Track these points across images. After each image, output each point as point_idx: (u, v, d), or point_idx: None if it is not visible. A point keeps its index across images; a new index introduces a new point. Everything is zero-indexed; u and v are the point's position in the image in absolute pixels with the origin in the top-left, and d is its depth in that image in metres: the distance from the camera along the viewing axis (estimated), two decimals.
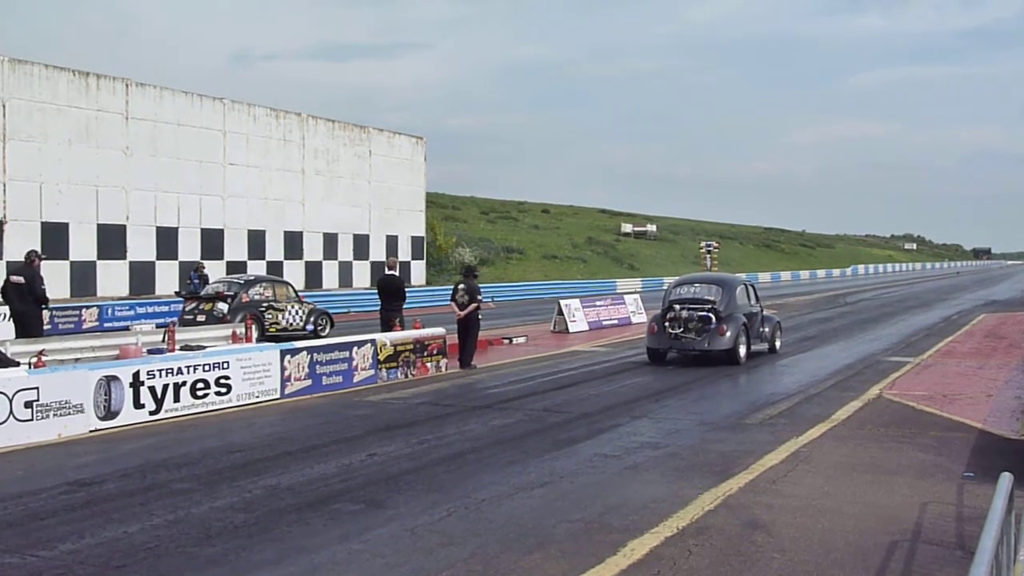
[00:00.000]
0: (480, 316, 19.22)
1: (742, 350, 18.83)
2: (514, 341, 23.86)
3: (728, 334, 18.52)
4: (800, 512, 8.02)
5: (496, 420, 12.71)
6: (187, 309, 24.34)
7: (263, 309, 24.52)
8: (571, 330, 27.18)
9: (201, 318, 23.55)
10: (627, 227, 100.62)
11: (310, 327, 25.31)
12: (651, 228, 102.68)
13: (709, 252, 38.58)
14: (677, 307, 18.89)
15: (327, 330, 25.52)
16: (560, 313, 27.79)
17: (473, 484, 8.99)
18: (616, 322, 29.79)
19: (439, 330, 18.67)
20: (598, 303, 30.57)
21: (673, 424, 12.27)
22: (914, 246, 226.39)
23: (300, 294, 26.97)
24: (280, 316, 24.89)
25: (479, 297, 19.00)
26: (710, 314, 18.62)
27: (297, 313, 25.41)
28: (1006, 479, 3.62)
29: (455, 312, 19.00)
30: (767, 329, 20.86)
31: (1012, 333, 26.40)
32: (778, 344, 21.37)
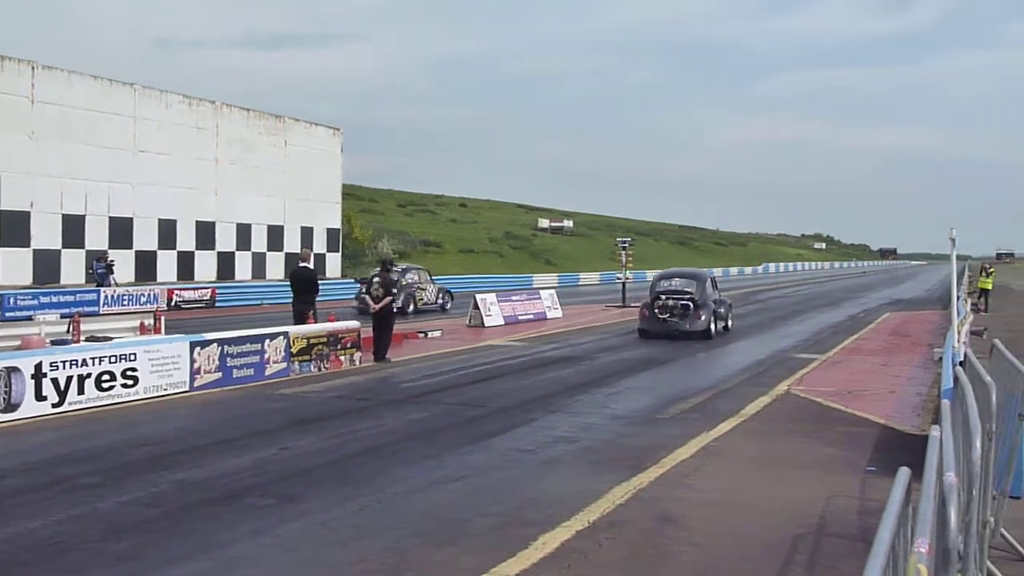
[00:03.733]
0: (395, 309, 19.17)
1: (713, 328, 23.74)
2: (429, 335, 23.83)
3: (703, 318, 23.47)
4: (711, 506, 8.19)
5: (411, 414, 12.70)
6: (362, 295, 27.56)
7: (414, 290, 32.67)
8: (487, 324, 27.25)
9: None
10: (544, 222, 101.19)
11: (440, 302, 34.18)
12: (568, 224, 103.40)
13: (624, 249, 38.85)
14: (663, 297, 23.68)
15: (449, 304, 34.39)
16: (476, 307, 27.84)
17: (388, 478, 8.99)
18: (532, 317, 29.95)
19: (353, 323, 18.57)
20: (514, 298, 30.69)
21: (587, 418, 12.41)
22: (823, 245, 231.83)
23: (432, 277, 35.47)
24: (424, 294, 33.26)
25: (394, 291, 18.94)
26: (689, 303, 23.47)
27: (432, 292, 33.87)
28: (904, 473, 3.76)
29: (369, 305, 18.91)
30: (724, 311, 25.49)
31: (916, 331, 27.24)
32: (730, 323, 26.00)
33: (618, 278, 41.81)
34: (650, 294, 24.37)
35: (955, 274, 15.53)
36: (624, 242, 39.34)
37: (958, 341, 13.60)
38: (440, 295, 34.75)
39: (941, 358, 15.94)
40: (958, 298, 18.58)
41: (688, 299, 23.62)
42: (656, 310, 23.71)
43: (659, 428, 11.80)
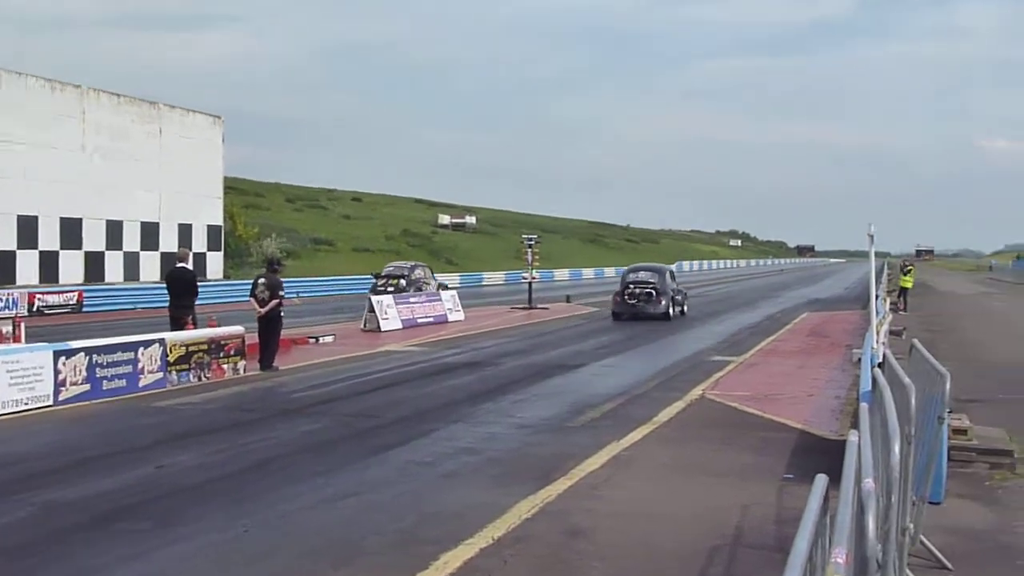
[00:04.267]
0: (282, 313, 18.95)
1: (671, 311, 31.37)
2: (321, 340, 23.64)
3: (663, 303, 31.22)
4: (622, 517, 8.29)
5: (302, 426, 12.59)
6: (379, 284, 37.18)
7: (421, 284, 37.97)
8: (383, 328, 27.12)
9: (391, 289, 35.71)
10: (445, 219, 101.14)
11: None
12: (470, 220, 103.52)
13: (530, 246, 39.03)
14: (632, 286, 31.78)
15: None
16: (371, 310, 27.67)
17: (277, 496, 8.90)
18: (432, 320, 29.90)
19: (237, 328, 18.30)
20: (413, 299, 30.61)
21: (491, 428, 12.45)
22: (739, 243, 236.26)
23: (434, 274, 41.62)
24: (428, 289, 37.37)
25: (281, 293, 18.73)
26: (652, 291, 31.35)
27: (434, 287, 38.13)
28: (821, 481, 3.87)
29: (255, 309, 18.67)
30: (680, 299, 33.32)
31: (834, 331, 27.98)
32: (685, 309, 33.81)
33: (524, 277, 42.08)
34: (621, 284, 32.70)
35: (874, 272, 15.97)
36: (530, 239, 39.51)
37: (877, 342, 13.95)
38: (439, 290, 39.19)
39: (860, 359, 16.38)
40: (877, 297, 19.12)
41: (651, 288, 31.59)
42: (626, 296, 31.70)
43: (568, 437, 11.90)
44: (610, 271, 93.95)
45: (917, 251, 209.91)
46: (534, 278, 39.82)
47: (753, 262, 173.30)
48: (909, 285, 39.26)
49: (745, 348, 23.04)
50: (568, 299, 42.17)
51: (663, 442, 11.63)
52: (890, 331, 23.13)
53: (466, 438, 11.79)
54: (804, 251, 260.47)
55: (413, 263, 42.18)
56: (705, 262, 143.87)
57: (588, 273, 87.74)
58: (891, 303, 34.84)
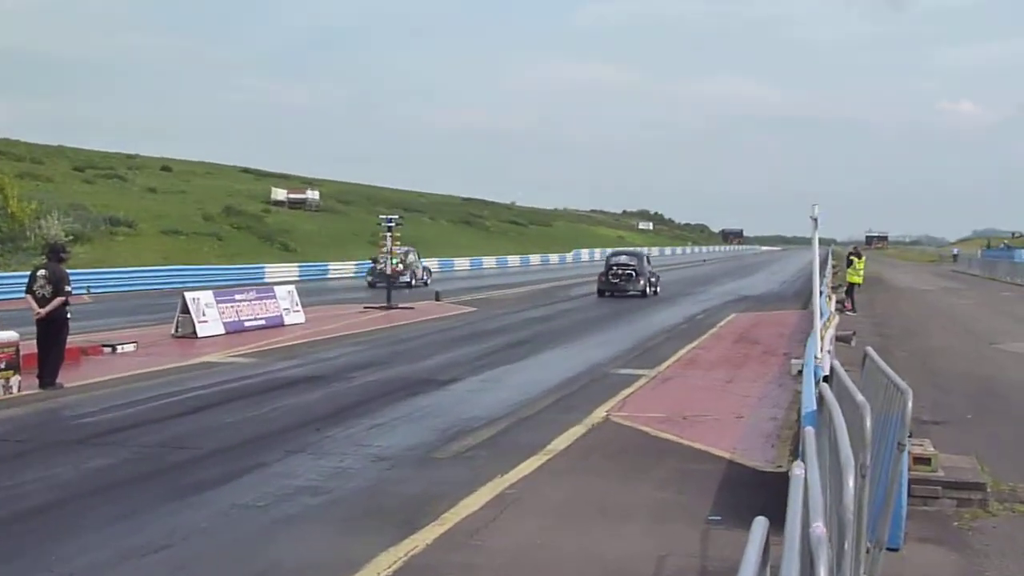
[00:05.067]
0: (69, 315, 18.50)
1: (647, 291, 45.15)
2: (119, 349, 23.19)
3: (641, 283, 45.25)
4: (508, 571, 8.28)
5: (94, 460, 12.32)
6: (378, 270, 50.06)
7: (414, 268, 54.35)
8: (201, 334, 26.71)
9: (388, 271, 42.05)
10: (280, 193, 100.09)
11: (425, 278, 57.75)
12: (312, 195, 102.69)
13: (390, 229, 38.90)
14: (615, 268, 46.19)
15: (428, 280, 57.85)
16: (185, 311, 27.22)
17: (62, 550, 8.68)
18: (264, 323, 29.57)
19: (9, 335, 17.82)
20: (239, 297, 30.20)
21: (341, 461, 12.34)
22: (651, 226, 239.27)
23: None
24: (418, 271, 56.33)
25: (67, 288, 18.28)
26: (632, 272, 45.28)
27: (422, 270, 57.40)
28: (760, 525, 3.87)
29: (32, 309, 18.19)
30: (655, 280, 47.84)
31: (767, 336, 28.50)
32: (658, 290, 47.89)
33: (379, 266, 42.23)
34: (605, 266, 48.15)
35: (817, 263, 16.30)
36: (389, 220, 39.42)
37: (821, 349, 14.25)
38: (424, 273, 55.57)
39: (801, 371, 16.69)
40: (821, 294, 19.51)
41: (631, 270, 46.36)
42: (610, 276, 46.35)
43: (438, 471, 11.86)
44: (490, 261, 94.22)
45: (868, 238, 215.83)
46: (395, 269, 39.70)
47: (668, 250, 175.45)
48: (858, 280, 39.91)
49: (659, 358, 23.30)
50: (438, 296, 42.19)
51: (558, 476, 11.66)
52: (837, 336, 23.62)
53: (308, 474, 11.66)
54: (731, 237, 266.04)
55: (407, 248, 54.35)
56: (609, 249, 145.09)
57: (462, 263, 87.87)
58: (837, 302, 35.56)
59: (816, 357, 13.46)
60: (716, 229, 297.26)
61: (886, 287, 57.81)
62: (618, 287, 45.92)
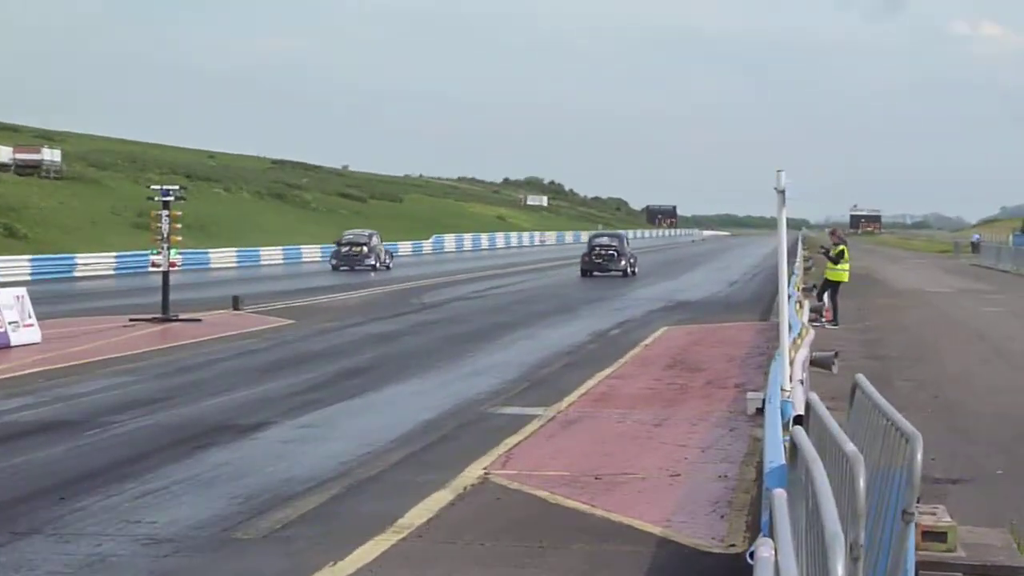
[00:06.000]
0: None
1: (629, 270, 70.79)
2: None
3: (623, 263, 71.06)
4: None
5: None
6: (343, 252, 76.77)
7: (379, 252, 78.23)
8: None
9: (356, 258, 76.56)
10: (2, 153, 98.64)
11: (387, 262, 79.50)
12: (51, 156, 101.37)
13: (168, 206, 38.33)
14: (598, 248, 72.08)
15: (391, 264, 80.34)
16: None
17: None
18: None
19: None
20: None
21: (97, 545, 12.20)
22: (544, 201, 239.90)
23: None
24: (382, 255, 78.88)
25: None
26: (614, 252, 71.45)
27: (384, 253, 79.89)
28: None
29: None
30: (633, 261, 73.03)
31: (713, 360, 28.54)
32: (636, 270, 72.05)
33: (154, 263, 41.73)
34: (588, 247, 71.72)
35: (784, 254, 16.41)
36: (166, 193, 38.94)
37: (791, 378, 14.38)
38: (387, 257, 79.90)
39: (762, 409, 16.82)
40: (790, 299, 19.64)
41: (614, 250, 70.14)
42: (593, 256, 70.01)
43: (242, 559, 11.82)
44: (313, 249, 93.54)
45: (854, 218, 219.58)
46: (174, 263, 39.29)
47: (570, 236, 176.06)
48: (844, 277, 39.41)
49: (559, 391, 23.25)
50: (237, 303, 41.71)
51: (415, 566, 11.64)
52: (813, 359, 23.71)
53: (48, 566, 11.51)
54: (660, 217, 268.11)
55: (370, 231, 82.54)
56: (484, 236, 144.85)
57: (272, 254, 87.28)
58: (812, 310, 35.67)
59: (784, 389, 13.58)
60: (639, 206, 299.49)
61: (880, 288, 58.32)
62: (601, 266, 69.75)
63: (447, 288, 55.73)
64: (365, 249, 75.92)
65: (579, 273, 69.76)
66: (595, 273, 69.20)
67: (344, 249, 76.58)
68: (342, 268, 74.99)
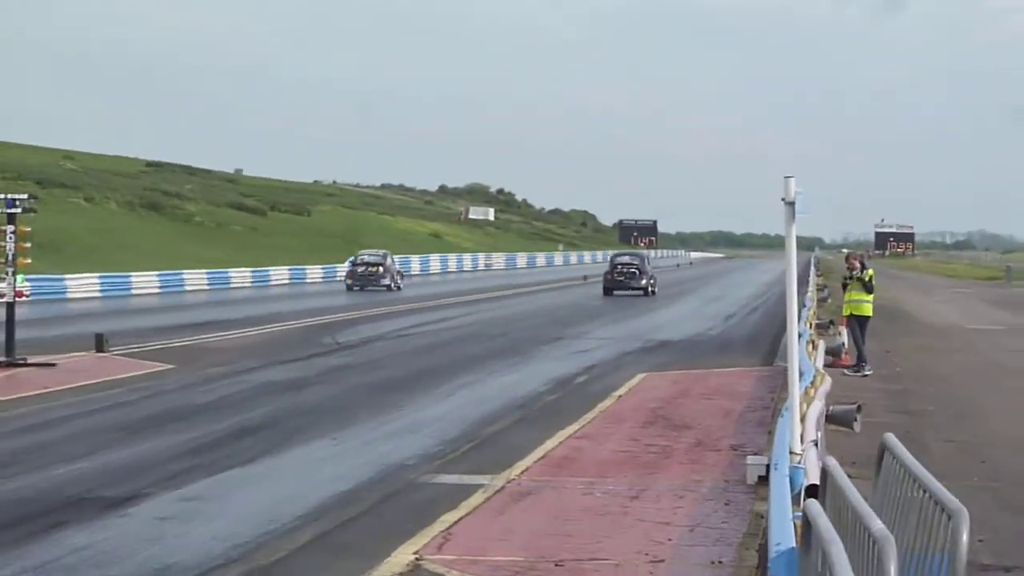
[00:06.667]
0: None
1: (649, 289, 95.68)
2: None
3: (644, 281, 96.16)
4: None
5: None
6: (359, 272, 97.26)
7: (393, 272, 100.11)
8: None
9: (371, 277, 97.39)
10: None
11: (399, 282, 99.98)
12: None
13: (13, 219, 38.18)
14: (620, 267, 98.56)
15: (402, 284, 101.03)
16: None
17: None
18: None
19: None
20: None
21: None
22: (491, 214, 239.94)
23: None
24: (396, 276, 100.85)
25: None
26: (636, 271, 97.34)
27: (398, 274, 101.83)
28: None
29: None
30: (653, 281, 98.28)
31: (702, 415, 28.52)
32: (656, 290, 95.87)
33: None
34: (610, 266, 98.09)
35: (793, 279, 16.46)
36: (11, 203, 38.85)
37: (803, 438, 14.43)
38: (399, 278, 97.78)
39: (764, 477, 16.87)
40: (800, 338, 19.70)
41: (635, 268, 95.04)
42: (615, 275, 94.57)
43: None
44: (198, 276, 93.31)
45: (879, 236, 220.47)
46: (21, 292, 39.19)
47: (523, 257, 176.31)
48: (868, 312, 39.05)
49: (509, 454, 23.27)
50: (101, 343, 41.55)
51: None
52: (830, 414, 23.64)
53: None
54: (636, 235, 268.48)
55: (383, 251, 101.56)
56: (414, 258, 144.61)
57: (145, 281, 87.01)
58: (828, 353, 35.57)
59: (794, 453, 13.63)
60: (610, 221, 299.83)
61: (911, 325, 58.49)
62: (623, 284, 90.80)
63: (369, 322, 55.67)
64: (381, 269, 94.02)
65: (601, 291, 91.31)
66: (616, 292, 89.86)
67: (360, 269, 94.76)
68: (356, 288, 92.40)
